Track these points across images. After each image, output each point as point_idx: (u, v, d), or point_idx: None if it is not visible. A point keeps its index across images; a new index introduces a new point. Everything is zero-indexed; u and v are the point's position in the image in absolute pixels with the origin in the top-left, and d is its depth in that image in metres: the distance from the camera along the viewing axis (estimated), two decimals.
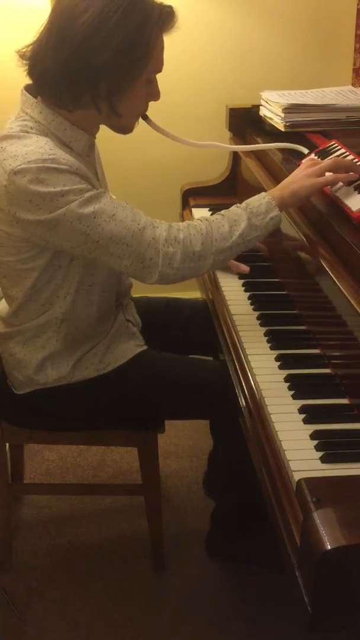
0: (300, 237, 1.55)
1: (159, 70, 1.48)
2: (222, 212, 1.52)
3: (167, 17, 1.42)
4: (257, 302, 1.72)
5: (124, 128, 1.52)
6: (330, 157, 1.63)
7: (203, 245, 1.47)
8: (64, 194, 1.37)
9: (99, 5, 1.35)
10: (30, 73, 1.45)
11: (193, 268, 1.48)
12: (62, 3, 1.39)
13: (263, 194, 1.53)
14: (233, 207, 1.53)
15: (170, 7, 1.43)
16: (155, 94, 1.51)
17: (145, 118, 1.57)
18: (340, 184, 1.50)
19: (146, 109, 1.54)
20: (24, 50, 1.45)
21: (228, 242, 1.48)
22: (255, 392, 1.41)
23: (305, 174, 1.51)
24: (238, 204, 1.53)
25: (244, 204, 1.52)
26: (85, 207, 1.39)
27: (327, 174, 1.52)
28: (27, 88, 1.47)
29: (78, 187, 1.39)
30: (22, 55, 1.45)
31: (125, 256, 1.43)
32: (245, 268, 1.84)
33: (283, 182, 1.55)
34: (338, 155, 1.62)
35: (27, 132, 1.42)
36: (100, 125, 1.54)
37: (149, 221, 1.45)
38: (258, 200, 1.52)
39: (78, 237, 1.41)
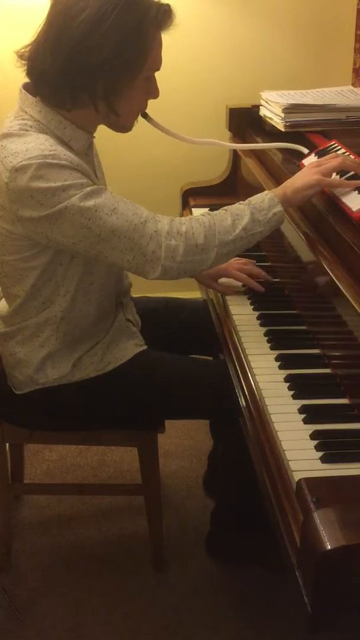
0: (300, 237, 1.55)
1: (157, 69, 1.48)
2: (225, 207, 1.52)
3: (164, 15, 1.41)
4: (257, 302, 1.72)
5: (122, 127, 1.51)
6: (334, 155, 1.62)
7: (206, 237, 1.46)
8: (65, 189, 1.37)
9: (96, 5, 1.35)
10: (29, 73, 1.45)
11: (196, 261, 1.47)
12: (59, 3, 1.39)
13: (265, 192, 1.53)
14: (236, 204, 1.52)
15: (167, 5, 1.43)
16: (154, 92, 1.50)
17: (145, 116, 1.57)
18: None
19: (145, 107, 1.53)
20: (23, 50, 1.45)
21: (231, 235, 1.47)
22: (255, 392, 1.41)
23: (311, 172, 1.50)
24: (241, 202, 1.53)
25: (246, 201, 1.52)
26: (86, 200, 1.38)
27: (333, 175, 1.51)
28: (26, 87, 1.47)
29: (79, 181, 1.38)
30: (20, 56, 1.45)
31: (127, 250, 1.43)
32: (260, 289, 1.78)
33: (286, 181, 1.54)
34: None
35: (27, 130, 1.42)
36: (100, 126, 1.54)
37: (151, 215, 1.45)
38: (260, 197, 1.51)
39: (80, 232, 1.40)
